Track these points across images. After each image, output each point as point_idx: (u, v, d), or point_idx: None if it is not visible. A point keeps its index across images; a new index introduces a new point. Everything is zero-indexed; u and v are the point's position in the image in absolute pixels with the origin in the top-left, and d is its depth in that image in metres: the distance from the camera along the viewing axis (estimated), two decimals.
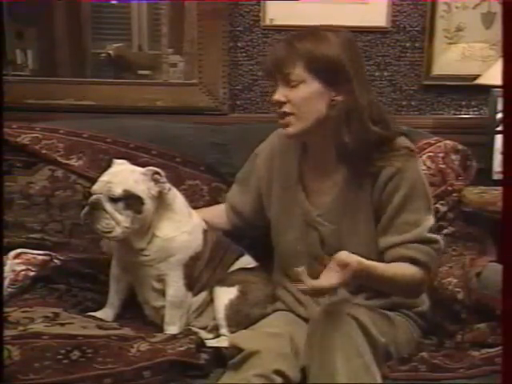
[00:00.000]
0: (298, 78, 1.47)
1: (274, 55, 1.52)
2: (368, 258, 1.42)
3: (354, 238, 1.54)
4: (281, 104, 1.50)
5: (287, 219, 1.62)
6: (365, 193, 1.53)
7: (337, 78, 1.47)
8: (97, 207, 1.52)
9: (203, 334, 1.62)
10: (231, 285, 1.64)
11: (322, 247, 1.57)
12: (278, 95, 1.50)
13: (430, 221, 1.52)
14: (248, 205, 1.74)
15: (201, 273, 1.66)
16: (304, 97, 1.47)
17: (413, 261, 1.48)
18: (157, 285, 1.64)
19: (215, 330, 1.64)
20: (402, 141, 1.54)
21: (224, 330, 1.61)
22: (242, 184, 1.78)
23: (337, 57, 1.47)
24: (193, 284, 1.65)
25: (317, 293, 1.37)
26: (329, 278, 1.32)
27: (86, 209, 1.54)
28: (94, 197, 1.54)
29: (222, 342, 1.54)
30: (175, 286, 1.63)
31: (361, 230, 1.54)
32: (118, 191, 1.53)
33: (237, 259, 1.72)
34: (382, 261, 1.50)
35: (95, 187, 1.56)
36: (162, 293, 1.64)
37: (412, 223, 1.50)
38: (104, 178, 1.57)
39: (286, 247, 1.64)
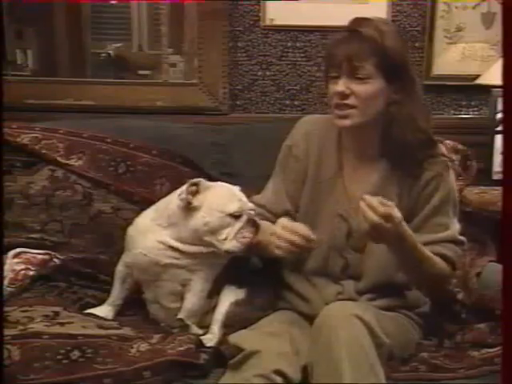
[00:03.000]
0: (368, 74, 1.47)
1: (347, 45, 1.50)
2: (387, 255, 1.51)
3: None
4: (344, 96, 1.49)
5: (318, 209, 1.61)
6: (400, 190, 1.56)
7: (400, 76, 1.50)
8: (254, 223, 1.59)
9: (195, 328, 1.61)
10: (241, 286, 1.64)
11: (347, 240, 1.58)
12: (343, 87, 1.48)
13: (458, 224, 1.60)
14: (288, 198, 1.68)
15: (218, 277, 1.66)
16: (370, 92, 1.48)
17: (445, 258, 1.54)
18: (179, 287, 1.63)
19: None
20: (441, 148, 1.61)
21: (215, 327, 1.60)
22: (280, 181, 1.68)
23: (404, 56, 1.52)
24: (211, 290, 1.66)
25: (377, 213, 1.38)
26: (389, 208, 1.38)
27: (242, 226, 1.57)
28: (252, 213, 1.59)
29: (208, 341, 1.55)
30: (199, 294, 1.63)
31: None
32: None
33: (247, 260, 1.72)
34: None
35: (243, 207, 1.59)
36: (181, 296, 1.63)
37: (444, 224, 1.56)
38: (241, 197, 1.61)
39: None
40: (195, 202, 1.58)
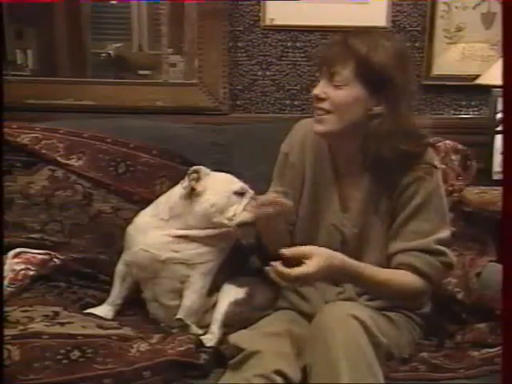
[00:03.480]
0: (344, 80, 1.45)
1: (327, 50, 1.51)
2: (383, 262, 1.50)
3: (373, 243, 1.56)
4: (319, 100, 1.48)
5: (316, 216, 1.61)
6: (386, 199, 1.54)
7: (383, 88, 1.45)
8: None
9: (194, 328, 1.61)
10: (240, 286, 1.64)
11: (343, 249, 1.57)
12: (319, 91, 1.48)
13: (443, 233, 1.51)
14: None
15: (218, 275, 1.67)
16: (345, 99, 1.46)
17: (413, 269, 1.49)
18: (178, 285, 1.64)
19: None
20: (428, 155, 1.54)
21: (215, 327, 1.60)
22: (279, 187, 1.68)
23: (388, 68, 1.45)
24: (211, 289, 1.66)
25: (287, 280, 1.37)
26: (301, 267, 1.35)
27: (248, 201, 1.62)
28: (253, 195, 1.63)
29: (208, 341, 1.55)
30: (198, 292, 1.63)
31: (379, 236, 1.55)
32: None
33: (247, 259, 1.72)
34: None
35: (245, 187, 1.64)
36: (180, 293, 1.64)
37: (421, 232, 1.50)
38: (239, 181, 1.66)
39: (308, 244, 1.59)
40: (198, 187, 1.62)
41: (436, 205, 1.52)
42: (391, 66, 1.45)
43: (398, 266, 1.50)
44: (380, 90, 1.45)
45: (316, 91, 1.49)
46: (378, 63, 1.44)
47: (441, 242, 1.51)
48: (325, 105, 1.47)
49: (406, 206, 1.51)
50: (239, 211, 1.60)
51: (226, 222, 1.60)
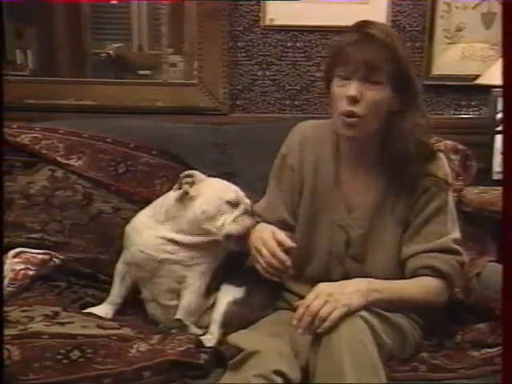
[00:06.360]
0: (379, 80, 1.43)
1: (365, 47, 1.43)
2: (389, 266, 1.52)
3: (379, 244, 1.55)
4: (355, 102, 1.44)
5: (317, 218, 1.60)
6: (399, 202, 1.54)
7: (404, 85, 1.45)
8: (252, 213, 1.62)
9: (193, 328, 1.61)
10: (239, 285, 1.64)
11: (346, 249, 1.57)
12: (355, 91, 1.43)
13: (457, 234, 1.55)
14: (284, 206, 1.67)
15: (217, 275, 1.67)
16: (378, 100, 1.44)
17: (434, 270, 1.50)
18: (176, 285, 1.64)
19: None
20: (444, 170, 1.56)
21: (214, 327, 1.60)
22: (275, 189, 1.68)
23: (407, 62, 1.47)
24: (209, 289, 1.66)
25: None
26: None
27: (240, 213, 1.60)
28: (248, 206, 1.62)
29: (208, 341, 1.55)
30: (196, 292, 1.63)
31: (387, 238, 1.55)
32: None
33: (246, 259, 1.72)
34: (402, 271, 1.53)
35: (240, 197, 1.62)
36: (178, 293, 1.64)
37: (439, 233, 1.52)
38: (237, 190, 1.65)
39: (310, 246, 1.62)
40: (192, 192, 1.61)
41: (450, 209, 1.55)
42: (408, 59, 1.48)
43: (417, 270, 1.51)
44: (403, 87, 1.46)
45: (352, 92, 1.42)
46: (403, 59, 1.45)
47: (456, 241, 1.54)
48: (359, 106, 1.44)
49: (423, 209, 1.53)
50: (228, 222, 1.58)
51: (214, 230, 1.59)
